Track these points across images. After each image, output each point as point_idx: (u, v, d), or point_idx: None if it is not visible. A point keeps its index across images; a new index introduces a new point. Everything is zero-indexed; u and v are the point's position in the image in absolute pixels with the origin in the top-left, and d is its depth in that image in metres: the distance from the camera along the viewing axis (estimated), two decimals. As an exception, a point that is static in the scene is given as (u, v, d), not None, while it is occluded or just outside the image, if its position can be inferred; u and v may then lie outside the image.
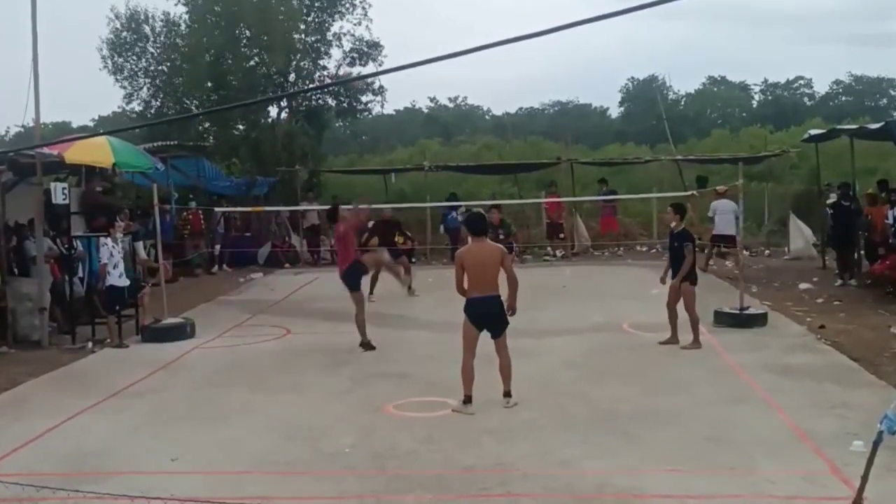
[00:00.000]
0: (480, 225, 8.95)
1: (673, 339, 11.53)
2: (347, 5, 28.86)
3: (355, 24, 29.13)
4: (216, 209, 21.43)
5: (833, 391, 9.04)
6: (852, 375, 9.77)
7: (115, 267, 12.88)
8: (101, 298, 13.45)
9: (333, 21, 29.01)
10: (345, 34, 29.13)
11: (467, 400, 8.66)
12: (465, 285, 8.71)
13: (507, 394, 8.81)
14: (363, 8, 28.92)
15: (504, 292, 8.76)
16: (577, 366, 10.65)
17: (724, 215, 19.33)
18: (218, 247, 22.36)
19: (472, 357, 8.73)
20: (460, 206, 22.45)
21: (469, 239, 8.96)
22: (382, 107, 32.40)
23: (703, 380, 9.73)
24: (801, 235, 21.41)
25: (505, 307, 8.75)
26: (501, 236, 18.22)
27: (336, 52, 29.31)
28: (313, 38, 28.67)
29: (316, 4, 28.68)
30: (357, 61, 29.50)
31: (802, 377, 9.68)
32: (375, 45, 29.58)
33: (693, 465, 6.94)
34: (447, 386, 9.18)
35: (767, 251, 22.64)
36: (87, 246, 14.60)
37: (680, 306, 11.57)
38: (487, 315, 8.72)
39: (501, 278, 8.68)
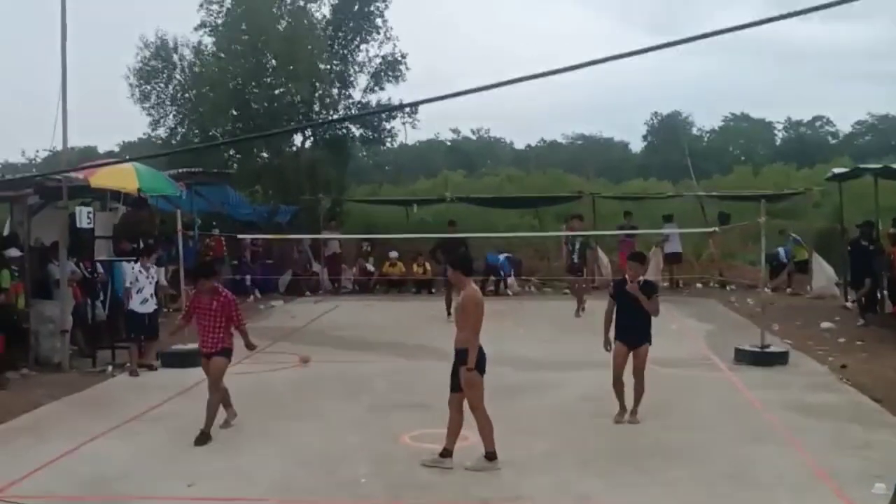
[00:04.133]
0: (471, 264, 8.30)
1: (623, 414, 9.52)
2: (370, 30, 29.02)
3: (380, 45, 29.22)
4: (245, 237, 21.42)
5: (855, 431, 8.95)
6: (874, 416, 9.68)
7: (138, 292, 12.90)
8: (124, 322, 13.51)
9: (360, 49, 29.15)
10: (372, 58, 29.24)
11: (493, 456, 7.81)
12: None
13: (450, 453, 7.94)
14: (386, 33, 29.06)
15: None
16: (597, 399, 10.56)
17: (674, 236, 22.41)
18: (249, 277, 22.37)
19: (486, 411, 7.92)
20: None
21: (457, 279, 8.00)
22: (414, 126, 31.90)
23: (723, 417, 9.66)
24: (823, 274, 21.27)
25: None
26: (576, 260, 18.25)
27: (362, 80, 29.40)
28: (339, 68, 28.84)
29: (340, 34, 28.89)
30: (379, 84, 29.46)
31: (824, 417, 9.60)
32: (398, 62, 29.50)
33: (712, 503, 6.88)
34: (465, 417, 9.13)
35: (789, 289, 22.49)
36: (110, 269, 14.69)
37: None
38: None
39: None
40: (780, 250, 22.96)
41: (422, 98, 25.07)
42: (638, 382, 9.42)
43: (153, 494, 7.21)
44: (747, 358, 12.72)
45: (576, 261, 18.31)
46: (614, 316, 9.52)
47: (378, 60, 29.34)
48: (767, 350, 12.84)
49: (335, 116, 28.69)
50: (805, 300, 20.66)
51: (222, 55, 26.44)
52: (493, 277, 22.54)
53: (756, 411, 9.94)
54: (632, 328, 9.31)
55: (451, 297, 17.87)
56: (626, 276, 9.60)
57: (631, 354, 9.35)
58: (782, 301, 20.21)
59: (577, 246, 18.27)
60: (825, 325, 16.33)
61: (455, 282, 8.10)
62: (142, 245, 14.47)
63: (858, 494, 6.92)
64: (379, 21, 28.94)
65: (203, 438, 8.76)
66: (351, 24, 28.88)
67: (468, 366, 7.68)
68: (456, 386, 7.85)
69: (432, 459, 7.85)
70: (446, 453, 7.87)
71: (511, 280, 23.21)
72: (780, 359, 12.73)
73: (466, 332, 7.71)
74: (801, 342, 14.44)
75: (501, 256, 23.16)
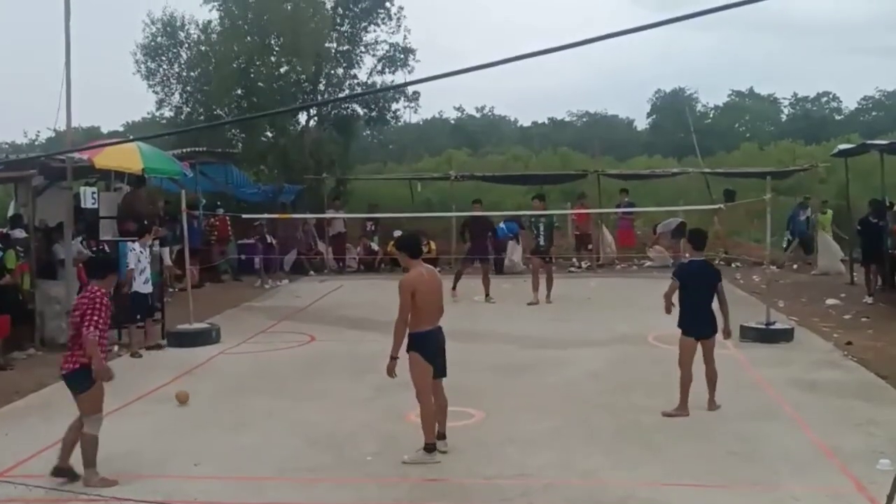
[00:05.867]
0: (420, 246, 8.10)
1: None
2: (383, 15, 28.96)
3: (391, 33, 29.16)
4: (252, 217, 21.26)
5: (860, 408, 8.96)
6: (879, 392, 9.69)
7: (140, 273, 12.91)
8: (124, 303, 13.51)
9: (367, 31, 29.11)
10: (380, 42, 29.22)
11: (431, 448, 7.62)
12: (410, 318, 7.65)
13: (443, 435, 7.81)
14: (398, 19, 28.99)
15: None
16: (602, 377, 10.61)
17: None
18: (257, 258, 22.16)
19: (431, 399, 7.76)
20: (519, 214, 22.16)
21: (404, 260, 7.89)
22: (416, 111, 32.14)
23: (728, 394, 9.63)
24: (829, 251, 21.22)
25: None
26: (542, 243, 17.40)
27: (368, 60, 29.37)
28: (345, 48, 28.76)
29: (349, 13, 28.80)
30: (388, 68, 29.48)
31: (829, 393, 9.60)
32: (408, 51, 29.51)
33: (717, 480, 6.90)
34: (470, 395, 9.18)
35: (795, 266, 22.45)
36: (116, 250, 14.68)
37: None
38: (441, 349, 7.87)
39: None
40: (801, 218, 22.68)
41: (424, 76, 24.86)
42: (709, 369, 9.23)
43: (160, 473, 7.25)
44: (752, 335, 12.69)
45: (542, 243, 17.42)
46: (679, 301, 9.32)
47: (386, 47, 29.31)
48: (772, 327, 12.82)
49: (339, 96, 28.59)
50: (810, 277, 20.63)
51: (227, 32, 26.25)
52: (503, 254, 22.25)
53: (761, 388, 9.95)
54: (699, 316, 9.18)
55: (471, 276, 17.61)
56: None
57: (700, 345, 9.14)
58: (788, 278, 20.20)
59: (542, 228, 17.46)
60: (830, 301, 16.31)
61: (402, 263, 7.98)
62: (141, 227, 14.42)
63: (863, 471, 6.93)
64: (390, 6, 28.87)
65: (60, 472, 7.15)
66: (364, 5, 28.77)
67: (391, 353, 7.63)
68: None
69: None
70: (439, 436, 7.74)
71: (517, 254, 22.92)
72: (785, 336, 12.72)
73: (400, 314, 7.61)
74: (806, 319, 14.42)
75: (504, 225, 22.61)
